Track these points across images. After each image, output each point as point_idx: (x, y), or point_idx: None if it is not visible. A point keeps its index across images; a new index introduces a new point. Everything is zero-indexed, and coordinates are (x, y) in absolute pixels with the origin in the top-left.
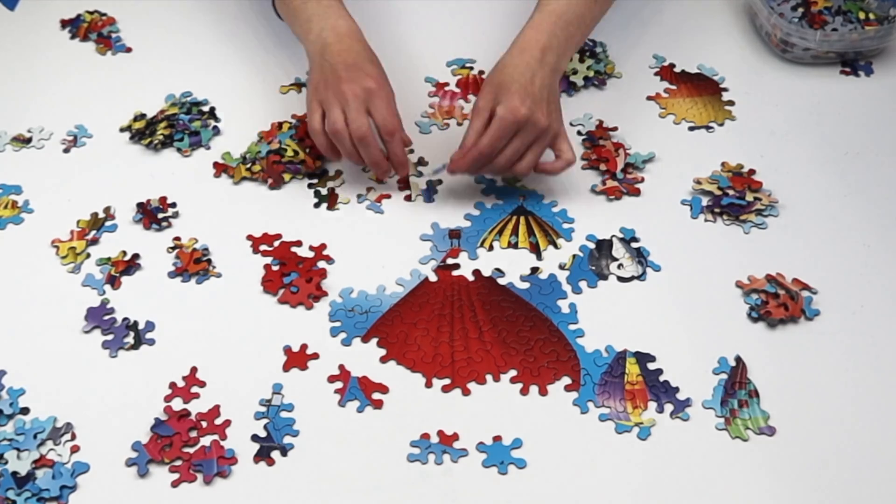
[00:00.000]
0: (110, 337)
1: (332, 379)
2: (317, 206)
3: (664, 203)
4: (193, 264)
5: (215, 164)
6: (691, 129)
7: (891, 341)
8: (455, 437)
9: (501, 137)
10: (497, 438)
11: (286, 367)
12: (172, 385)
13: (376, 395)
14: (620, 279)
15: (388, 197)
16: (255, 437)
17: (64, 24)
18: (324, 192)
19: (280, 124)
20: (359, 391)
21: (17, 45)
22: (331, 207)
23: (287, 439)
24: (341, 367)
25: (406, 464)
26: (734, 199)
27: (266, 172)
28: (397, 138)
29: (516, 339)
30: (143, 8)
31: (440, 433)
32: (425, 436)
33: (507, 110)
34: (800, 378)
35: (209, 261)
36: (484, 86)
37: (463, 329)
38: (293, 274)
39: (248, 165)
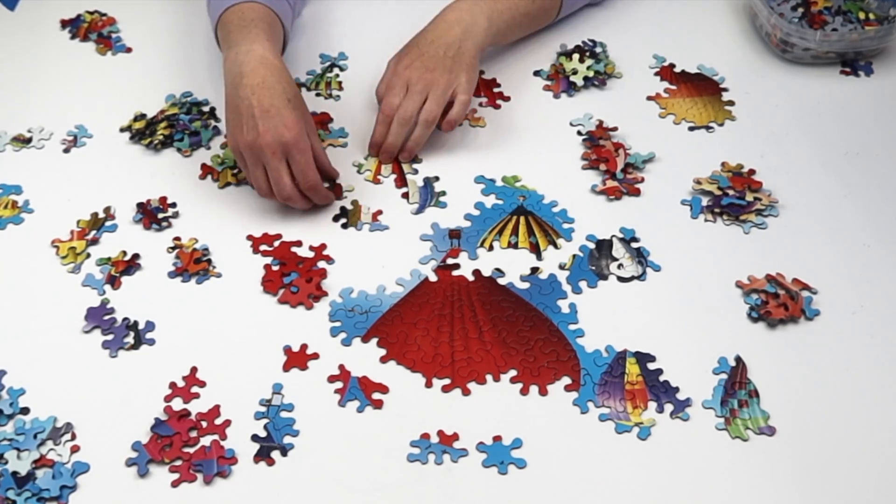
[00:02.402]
0: (110, 337)
1: (332, 379)
2: (336, 219)
3: (664, 203)
4: (193, 264)
5: (203, 166)
6: (691, 129)
7: (891, 341)
8: (455, 437)
9: (395, 93)
10: (497, 438)
11: (286, 367)
12: (172, 385)
13: (376, 395)
14: (620, 279)
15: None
16: (255, 437)
17: (64, 24)
18: (349, 206)
19: None
20: (359, 391)
21: (17, 45)
22: (352, 223)
23: (287, 439)
24: (341, 367)
25: (406, 464)
26: (734, 199)
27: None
28: (318, 191)
29: (516, 339)
30: (143, 8)
31: (440, 433)
32: (425, 436)
33: (395, 71)
34: (800, 378)
35: (209, 261)
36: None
37: (463, 329)
38: (293, 274)
39: (235, 171)
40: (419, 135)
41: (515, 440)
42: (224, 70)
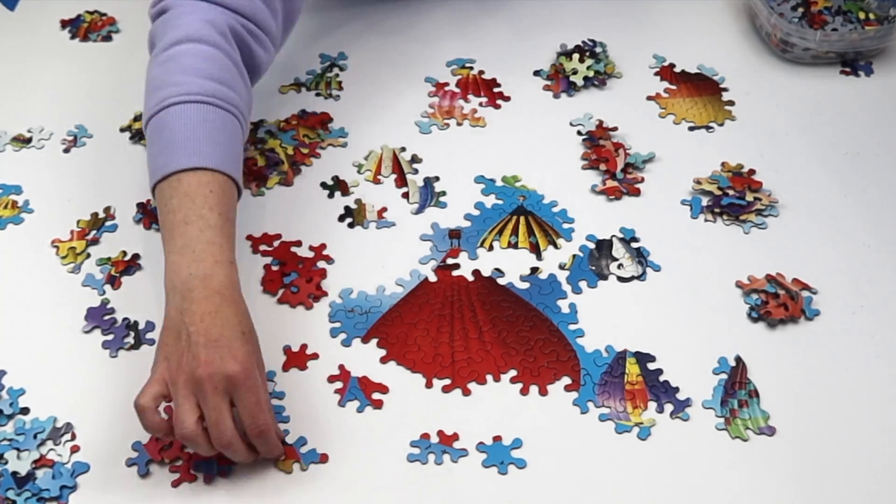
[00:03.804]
0: (110, 337)
1: (332, 379)
2: (341, 218)
3: (664, 203)
4: None
5: None
6: (691, 129)
7: (891, 341)
8: (455, 437)
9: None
10: (497, 438)
11: (286, 367)
12: None
13: (376, 395)
14: (620, 279)
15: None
16: None
17: (64, 24)
18: (353, 206)
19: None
20: (359, 391)
21: (17, 45)
22: (358, 222)
23: (287, 439)
24: (341, 367)
25: (406, 464)
26: (734, 199)
27: (247, 177)
28: (268, 438)
29: (516, 339)
30: (143, 8)
31: (440, 433)
32: (425, 436)
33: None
34: (800, 378)
35: None
36: None
37: (463, 329)
38: (293, 274)
39: None
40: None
41: (515, 440)
42: (169, 281)
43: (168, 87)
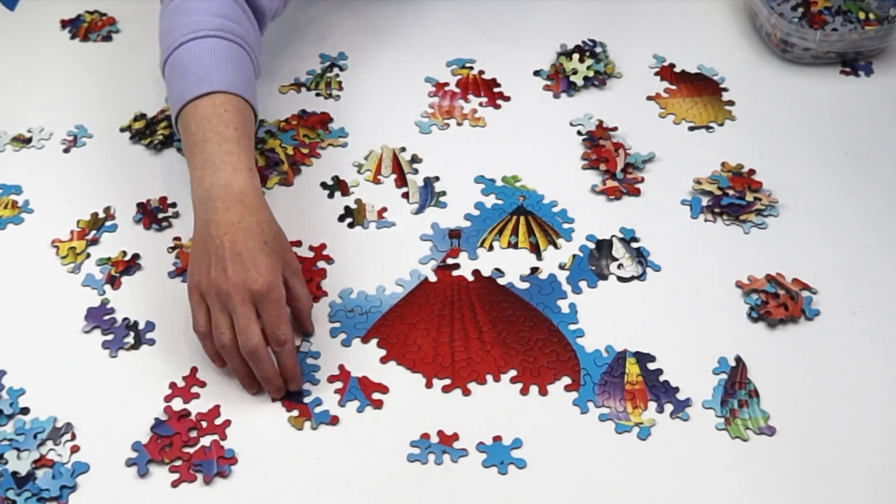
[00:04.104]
0: (110, 337)
1: (332, 379)
2: (341, 218)
3: (664, 203)
4: None
5: None
6: (691, 129)
7: (891, 341)
8: (455, 436)
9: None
10: (497, 438)
11: None
12: (172, 385)
13: (376, 395)
14: (620, 279)
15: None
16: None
17: (64, 24)
18: (353, 206)
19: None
20: (359, 391)
21: (17, 45)
22: (358, 222)
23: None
24: (341, 367)
25: (406, 464)
26: (734, 199)
27: None
28: (288, 349)
29: (516, 339)
30: (143, 8)
31: (440, 433)
32: (425, 436)
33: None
34: (800, 378)
35: None
36: None
37: (463, 329)
38: None
39: None
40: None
41: (515, 440)
42: (194, 194)
43: (177, 29)
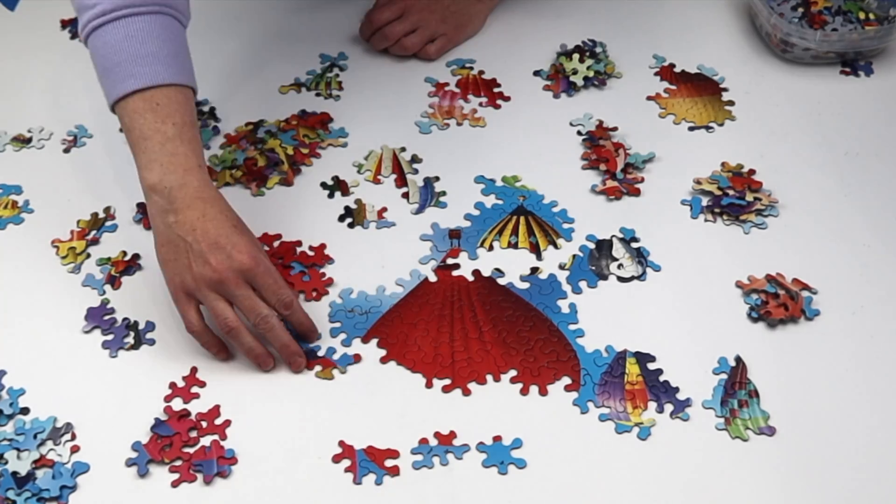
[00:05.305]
0: (110, 337)
1: (336, 458)
2: (341, 218)
3: (664, 203)
4: None
5: None
6: (691, 129)
7: (891, 341)
8: (453, 434)
9: (389, 10)
10: (497, 438)
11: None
12: (172, 385)
13: (389, 462)
14: (620, 279)
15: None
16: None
17: (64, 24)
18: (353, 206)
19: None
20: (370, 463)
21: (17, 45)
22: (358, 222)
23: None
24: (342, 443)
25: (406, 464)
26: (734, 199)
27: (247, 176)
28: (296, 307)
29: (516, 339)
30: None
31: (437, 434)
32: (423, 441)
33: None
34: (800, 378)
35: None
36: None
37: (463, 329)
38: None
39: (232, 171)
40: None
41: (515, 440)
42: (147, 193)
43: (82, 9)
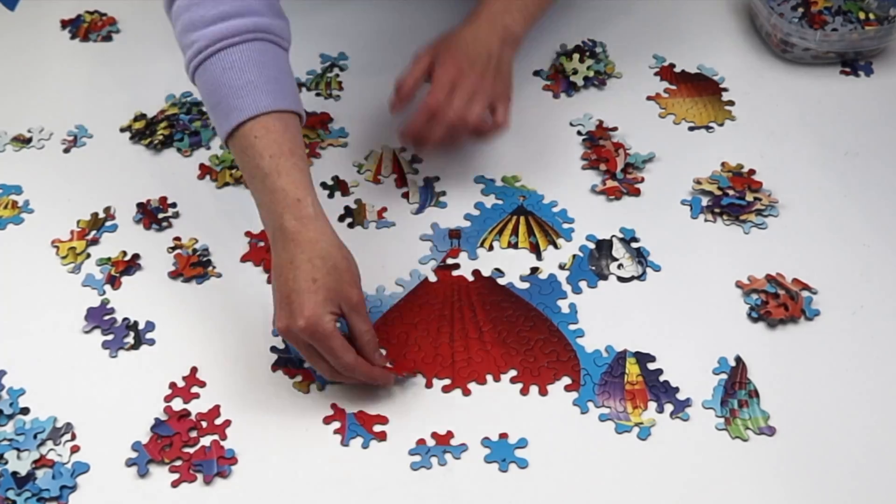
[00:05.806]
0: (110, 337)
1: (327, 420)
2: (341, 218)
3: (664, 203)
4: (190, 268)
5: (201, 166)
6: (691, 129)
7: (891, 341)
8: (450, 434)
9: (441, 89)
10: (503, 435)
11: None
12: (172, 385)
13: (378, 428)
14: (620, 279)
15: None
16: (273, 349)
17: (64, 24)
18: (353, 206)
19: None
20: (359, 427)
21: (17, 45)
22: (358, 222)
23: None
24: (334, 405)
25: (406, 464)
26: (734, 199)
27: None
28: (359, 370)
29: (516, 339)
30: (143, 8)
31: (435, 435)
32: (420, 441)
33: (443, 69)
34: (800, 378)
35: (209, 261)
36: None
37: (463, 329)
38: None
39: (232, 171)
40: (465, 139)
41: (521, 440)
42: (266, 227)
43: (185, 48)
